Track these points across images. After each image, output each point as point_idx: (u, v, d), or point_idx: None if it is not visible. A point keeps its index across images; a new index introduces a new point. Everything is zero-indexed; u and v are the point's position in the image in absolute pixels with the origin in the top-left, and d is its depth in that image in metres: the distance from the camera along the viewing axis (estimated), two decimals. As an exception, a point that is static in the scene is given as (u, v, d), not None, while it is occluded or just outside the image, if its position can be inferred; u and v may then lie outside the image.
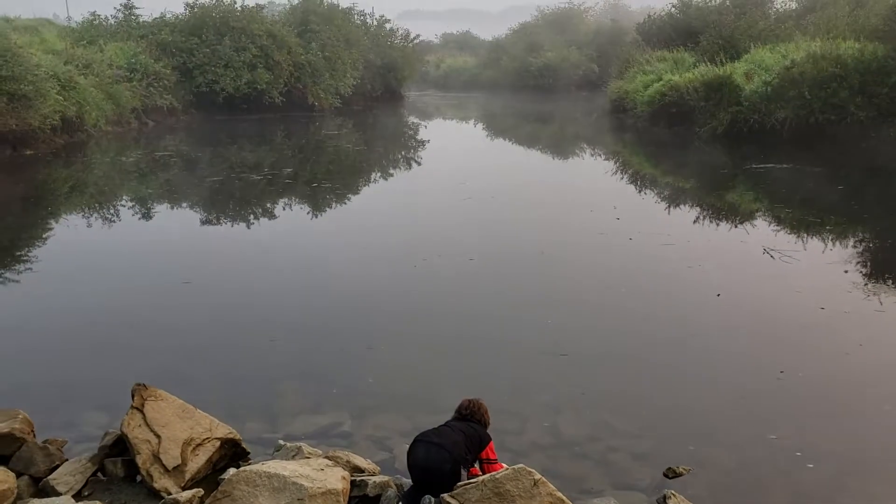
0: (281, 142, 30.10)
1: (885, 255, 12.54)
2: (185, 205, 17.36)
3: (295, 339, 8.74)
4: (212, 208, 17.06)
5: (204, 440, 5.66)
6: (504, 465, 5.26)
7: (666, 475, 5.80)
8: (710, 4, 37.18)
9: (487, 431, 5.48)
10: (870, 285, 10.57)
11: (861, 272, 11.24)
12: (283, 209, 16.70)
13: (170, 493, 5.16)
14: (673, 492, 5.43)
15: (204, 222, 15.54)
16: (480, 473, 5.14)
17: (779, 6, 36.92)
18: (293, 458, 5.47)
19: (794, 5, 36.53)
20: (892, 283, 10.74)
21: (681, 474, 5.79)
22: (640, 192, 19.54)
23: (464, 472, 5.07)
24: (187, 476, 5.41)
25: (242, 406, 7.02)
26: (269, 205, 17.30)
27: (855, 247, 13.02)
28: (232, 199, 18.01)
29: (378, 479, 5.31)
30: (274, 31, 37.42)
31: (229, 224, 15.50)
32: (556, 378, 7.62)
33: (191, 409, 5.83)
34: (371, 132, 35.56)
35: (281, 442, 5.98)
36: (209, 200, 17.83)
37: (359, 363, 8.01)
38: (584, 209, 15.95)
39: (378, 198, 18.69)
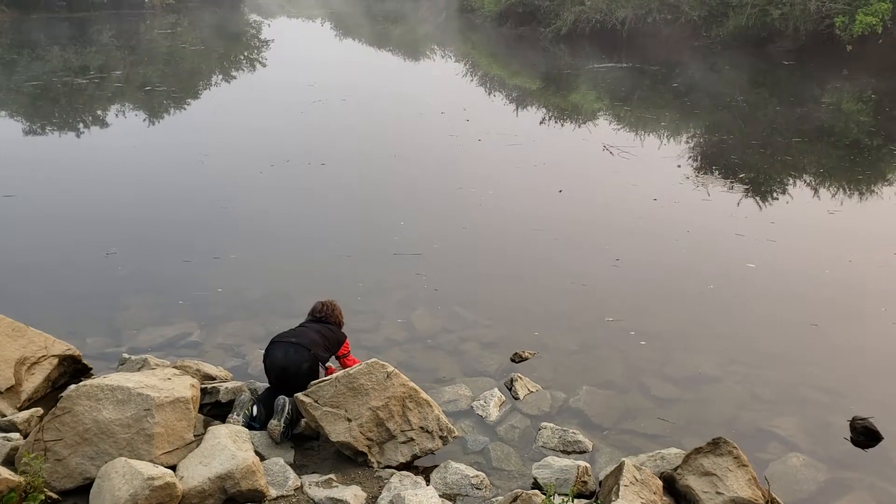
0: (108, 42, 27.75)
1: (714, 150, 13.40)
2: (1, 112, 15.79)
3: (135, 251, 8.31)
4: (34, 116, 15.63)
5: (40, 358, 5.35)
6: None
7: (513, 360, 6.10)
8: None
9: (343, 331, 5.52)
10: (699, 177, 11.31)
11: (692, 165, 11.98)
12: (116, 116, 15.57)
13: (4, 416, 4.87)
14: (519, 374, 5.73)
15: (26, 132, 14.23)
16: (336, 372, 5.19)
17: None
18: (139, 370, 5.28)
19: None
20: (719, 175, 11.54)
21: (526, 358, 6.10)
22: (488, 93, 19.70)
23: (322, 371, 5.10)
24: (23, 396, 5.12)
25: (82, 322, 6.68)
26: (98, 111, 16.07)
27: (687, 142, 13.83)
28: (57, 106, 16.57)
29: (230, 384, 5.24)
30: (93, -82, 33.92)
31: (55, 133, 14.30)
32: (410, 276, 7.73)
33: (22, 328, 5.46)
34: (209, 31, 33.47)
35: (125, 355, 5.75)
36: (30, 107, 16.31)
37: (206, 273, 7.76)
38: (435, 111, 15.91)
39: (220, 102, 17.78)
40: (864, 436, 5.11)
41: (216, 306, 7.04)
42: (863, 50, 19.89)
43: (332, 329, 5.41)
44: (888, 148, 13.03)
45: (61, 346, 5.52)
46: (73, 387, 4.41)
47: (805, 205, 10.18)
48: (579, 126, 15.22)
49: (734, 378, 5.93)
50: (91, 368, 5.68)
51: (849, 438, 5.15)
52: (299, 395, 4.69)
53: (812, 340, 6.57)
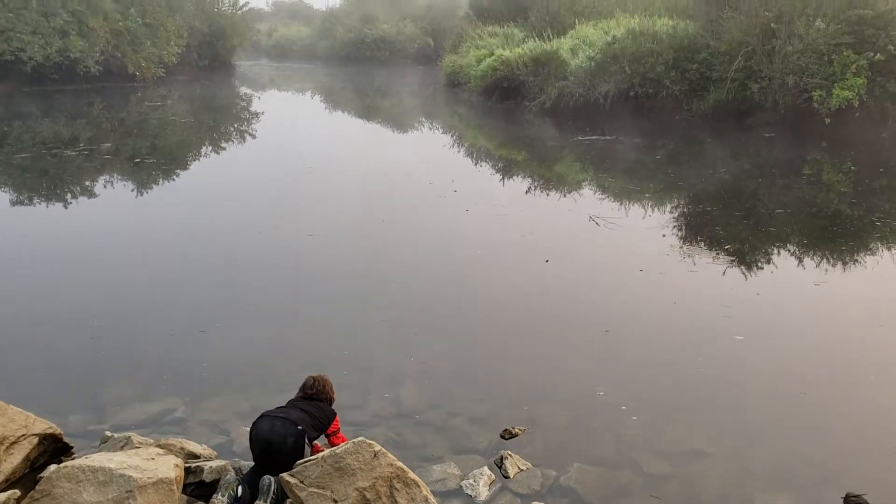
0: (99, 114, 28.10)
1: (698, 220, 13.57)
2: (-11, 184, 15.84)
3: (120, 324, 8.23)
4: (22, 187, 15.67)
5: (19, 438, 5.23)
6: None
7: (503, 436, 6.01)
8: (537, -19, 38.58)
9: (332, 408, 5.47)
10: (685, 248, 11.40)
11: (677, 236, 12.10)
12: (104, 187, 15.63)
13: (-20, 498, 4.73)
14: (509, 452, 5.65)
15: (13, 202, 14.24)
16: (323, 450, 5.12)
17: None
18: (121, 448, 5.18)
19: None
20: (704, 245, 11.65)
21: (517, 435, 6.03)
22: (475, 164, 19.96)
23: (308, 449, 5.02)
24: (1, 477, 4.99)
25: (64, 398, 6.56)
26: (86, 183, 16.14)
27: (671, 212, 13.99)
28: (45, 177, 16.63)
29: (214, 463, 5.14)
30: (87, -6, 34.63)
31: (42, 204, 14.31)
32: (397, 349, 7.68)
33: (1, 406, 5.35)
34: (199, 103, 33.95)
35: (108, 433, 5.64)
36: (18, 179, 16.38)
37: (191, 347, 7.68)
38: (423, 181, 16.08)
39: (209, 173, 17.90)
40: (859, 513, 5.04)
41: (201, 381, 6.95)
42: (841, 122, 20.39)
43: (322, 406, 5.36)
44: (869, 219, 13.24)
45: (42, 425, 5.40)
46: (52, 468, 4.31)
47: (790, 276, 10.26)
48: (565, 196, 15.39)
49: (725, 453, 5.87)
50: (72, 447, 5.56)
51: (843, 516, 5.08)
52: (284, 475, 4.60)
53: (802, 413, 6.54)
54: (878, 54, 19.87)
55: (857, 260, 11.06)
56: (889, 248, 11.54)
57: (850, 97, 19.78)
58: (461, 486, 5.29)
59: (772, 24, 21.74)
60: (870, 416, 6.49)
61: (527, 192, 15.61)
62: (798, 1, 21.60)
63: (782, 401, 6.75)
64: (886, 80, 19.95)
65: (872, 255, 11.34)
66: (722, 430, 6.20)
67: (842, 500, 5.17)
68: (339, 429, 5.37)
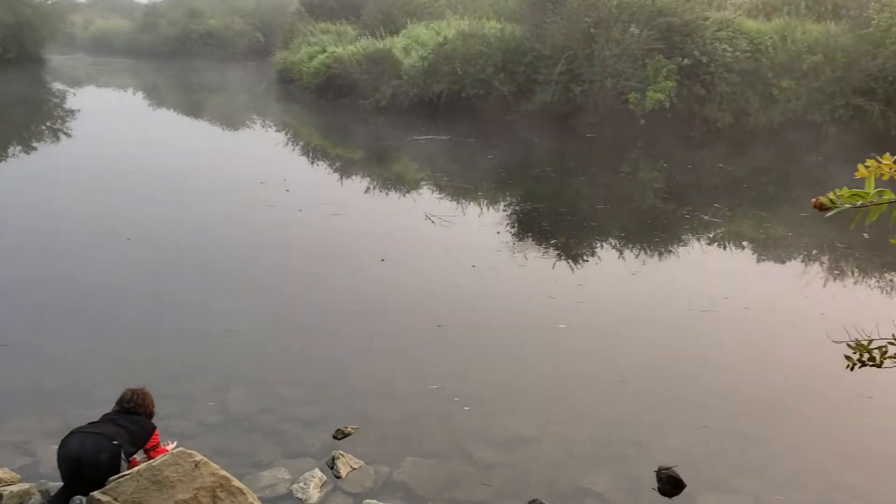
0: None
1: (528, 217, 14.07)
2: None
3: None
4: None
5: None
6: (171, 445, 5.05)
7: (335, 437, 5.92)
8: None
9: (152, 421, 5.16)
10: (517, 243, 11.78)
11: (510, 232, 12.47)
12: None
13: None
14: (341, 452, 5.57)
15: None
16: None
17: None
18: None
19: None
20: (535, 241, 12.10)
21: (349, 434, 5.95)
22: (310, 163, 19.67)
23: (124, 465, 4.70)
24: None
25: None
26: None
27: (504, 210, 14.42)
28: None
29: (17, 487, 4.70)
30: None
31: None
32: (224, 356, 7.38)
33: None
34: (4, 98, 31.21)
35: None
36: None
37: (-7, 362, 7.00)
38: (254, 181, 15.59)
39: (15, 174, 16.47)
40: (670, 485, 5.39)
41: (3, 398, 6.34)
42: (654, 123, 21.84)
43: (140, 420, 5.03)
44: (680, 213, 14.29)
45: None
46: None
47: (610, 266, 10.85)
48: (402, 195, 15.47)
49: (552, 438, 6.10)
50: None
51: (656, 489, 5.41)
52: (96, 493, 4.28)
53: (621, 396, 6.92)
54: (686, 59, 21.49)
55: (669, 250, 11.89)
56: (698, 239, 12.50)
57: (662, 99, 21.25)
58: (291, 491, 5.15)
59: (591, 30, 22.93)
60: (681, 394, 6.98)
61: (365, 192, 15.55)
62: (615, 8, 22.91)
63: (603, 385, 7.11)
64: (693, 84, 21.60)
65: (683, 245, 12.25)
66: (548, 417, 6.44)
67: (654, 473, 5.50)
68: (158, 442, 5.08)
